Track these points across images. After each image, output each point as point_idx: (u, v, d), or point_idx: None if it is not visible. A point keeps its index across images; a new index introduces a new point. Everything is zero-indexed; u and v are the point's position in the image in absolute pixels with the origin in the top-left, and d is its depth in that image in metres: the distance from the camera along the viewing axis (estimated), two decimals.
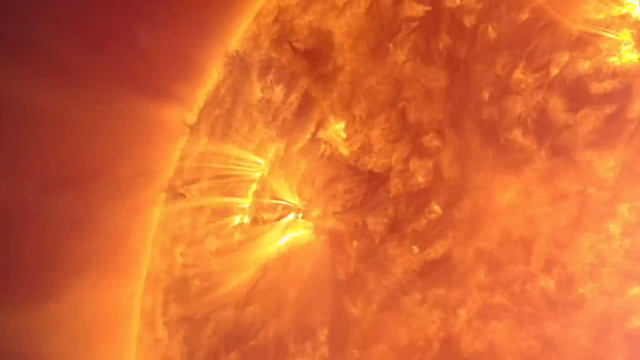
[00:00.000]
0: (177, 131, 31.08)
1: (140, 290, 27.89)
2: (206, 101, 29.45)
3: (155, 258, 27.70)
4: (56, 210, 27.44)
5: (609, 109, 19.01)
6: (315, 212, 23.37)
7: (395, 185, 21.73)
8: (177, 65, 30.84)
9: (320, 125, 23.88)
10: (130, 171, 29.79)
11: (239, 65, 28.11)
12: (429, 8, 22.54)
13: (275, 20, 27.65)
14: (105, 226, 28.49)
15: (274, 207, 24.40)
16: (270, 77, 26.22)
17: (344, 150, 23.16)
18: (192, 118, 30.35)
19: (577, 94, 19.56)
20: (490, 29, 21.30)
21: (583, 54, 19.71)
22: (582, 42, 19.82)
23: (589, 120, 19.17)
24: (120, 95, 29.07)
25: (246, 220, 25.15)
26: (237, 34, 30.43)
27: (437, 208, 20.85)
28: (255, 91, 26.54)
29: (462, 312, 19.75)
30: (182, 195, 27.13)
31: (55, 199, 27.32)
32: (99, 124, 28.81)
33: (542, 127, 19.85)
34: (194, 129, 28.62)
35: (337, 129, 23.53)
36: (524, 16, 20.80)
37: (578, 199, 18.82)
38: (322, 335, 21.89)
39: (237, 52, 28.93)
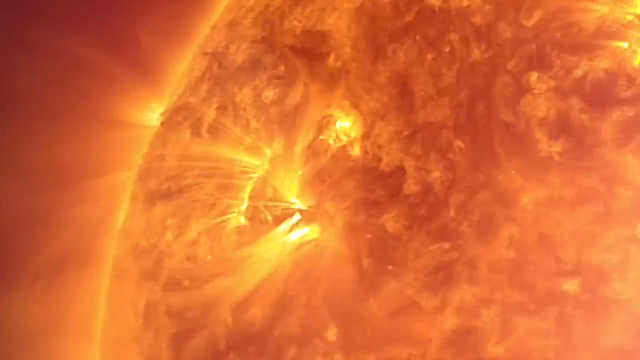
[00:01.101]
0: (147, 130, 30.21)
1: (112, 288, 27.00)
2: (183, 101, 28.53)
3: (139, 259, 26.38)
4: (22, 207, 26.40)
5: (631, 110, 19.36)
6: (323, 213, 22.69)
7: (409, 185, 21.40)
8: (144, 63, 30.00)
9: (325, 123, 23.37)
10: (96, 171, 28.96)
11: (222, 63, 27.34)
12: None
13: (261, 18, 27.06)
14: (74, 225, 27.65)
15: (274, 208, 23.62)
16: (263, 75, 25.56)
17: (354, 150, 22.68)
18: (160, 118, 29.54)
19: (597, 95, 19.84)
20: (503, 29, 21.44)
21: (601, 55, 20.06)
22: (599, 44, 20.27)
23: (610, 122, 19.46)
24: (86, 94, 28.36)
25: (242, 221, 24.24)
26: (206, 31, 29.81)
27: (454, 207, 20.64)
28: (245, 90, 25.77)
29: (486, 313, 19.51)
30: (166, 196, 26.02)
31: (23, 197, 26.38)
32: (65, 122, 28.10)
33: (561, 128, 20.01)
34: (174, 129, 27.60)
35: (343, 127, 23.08)
36: (538, 16, 21.12)
37: (604, 199, 18.98)
38: (332, 336, 21.24)
39: (218, 49, 28.16)
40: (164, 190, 26.49)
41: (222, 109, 25.98)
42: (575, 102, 19.95)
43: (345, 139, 23.00)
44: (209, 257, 24.24)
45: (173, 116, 28.25)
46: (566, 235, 19.12)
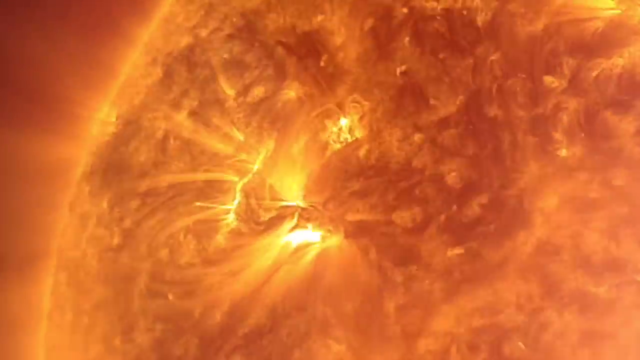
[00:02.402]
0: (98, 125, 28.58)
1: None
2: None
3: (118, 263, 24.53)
4: None
5: None
6: (327, 212, 22.24)
7: (422, 185, 21.36)
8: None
9: (325, 121, 22.91)
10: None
11: (198, 62, 26.08)
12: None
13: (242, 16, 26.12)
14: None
15: (268, 208, 22.80)
16: (248, 72, 24.68)
17: (360, 149, 22.38)
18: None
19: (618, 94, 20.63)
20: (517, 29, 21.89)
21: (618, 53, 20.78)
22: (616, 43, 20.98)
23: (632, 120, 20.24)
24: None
25: (231, 219, 23.17)
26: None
27: (473, 207, 20.84)
28: (228, 89, 24.78)
29: (509, 311, 19.78)
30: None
31: None
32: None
33: (582, 128, 20.74)
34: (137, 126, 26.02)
35: (346, 124, 22.75)
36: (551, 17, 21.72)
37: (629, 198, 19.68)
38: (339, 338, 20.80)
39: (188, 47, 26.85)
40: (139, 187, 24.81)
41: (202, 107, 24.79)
42: (595, 102, 20.68)
43: (347, 137, 22.65)
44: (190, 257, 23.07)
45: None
46: (591, 234, 19.75)
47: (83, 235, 25.95)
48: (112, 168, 26.05)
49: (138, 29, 29.00)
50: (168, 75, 26.40)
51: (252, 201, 23.02)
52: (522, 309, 19.69)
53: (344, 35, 23.66)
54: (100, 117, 27.45)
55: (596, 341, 19.01)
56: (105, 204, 25.81)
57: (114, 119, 27.34)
